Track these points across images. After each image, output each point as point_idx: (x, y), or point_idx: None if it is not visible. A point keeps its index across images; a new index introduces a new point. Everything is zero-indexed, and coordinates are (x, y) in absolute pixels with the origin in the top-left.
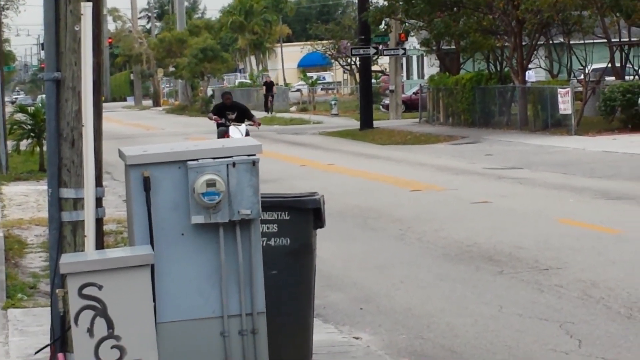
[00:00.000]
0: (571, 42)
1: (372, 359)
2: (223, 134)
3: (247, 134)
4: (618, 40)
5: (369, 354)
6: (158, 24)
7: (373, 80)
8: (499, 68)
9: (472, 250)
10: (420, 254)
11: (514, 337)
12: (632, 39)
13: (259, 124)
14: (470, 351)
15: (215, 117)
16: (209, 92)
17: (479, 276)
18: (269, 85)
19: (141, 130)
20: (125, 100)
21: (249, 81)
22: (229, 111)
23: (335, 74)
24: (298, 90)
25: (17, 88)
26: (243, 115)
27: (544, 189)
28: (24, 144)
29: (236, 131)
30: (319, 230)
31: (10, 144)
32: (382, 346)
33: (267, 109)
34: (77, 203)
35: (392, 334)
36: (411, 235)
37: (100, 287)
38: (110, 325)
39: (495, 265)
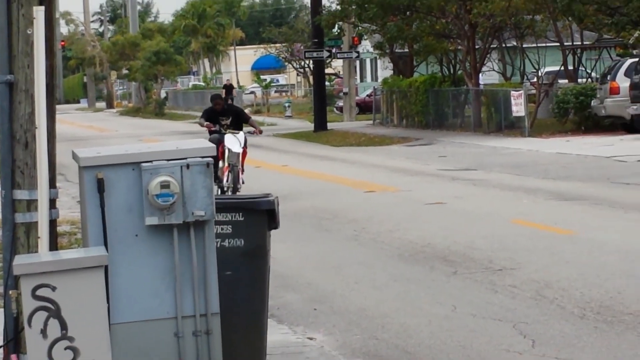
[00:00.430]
0: (524, 45)
1: (325, 359)
2: (217, 142)
3: (246, 144)
4: (571, 43)
5: (323, 354)
6: (111, 27)
7: (327, 83)
8: (452, 71)
9: (427, 250)
10: (374, 254)
11: (467, 337)
12: (585, 43)
13: (260, 132)
14: (424, 351)
15: (208, 123)
16: (163, 95)
17: (433, 276)
18: (229, 88)
19: (95, 132)
20: (78, 102)
21: (202, 84)
22: (222, 116)
23: (289, 76)
24: (252, 92)
25: None
26: (239, 119)
27: (497, 190)
28: None
29: (233, 140)
30: (273, 232)
31: None
32: (336, 347)
33: None
34: (31, 204)
35: (346, 334)
36: (366, 235)
37: (53, 289)
38: (63, 326)
39: (449, 265)
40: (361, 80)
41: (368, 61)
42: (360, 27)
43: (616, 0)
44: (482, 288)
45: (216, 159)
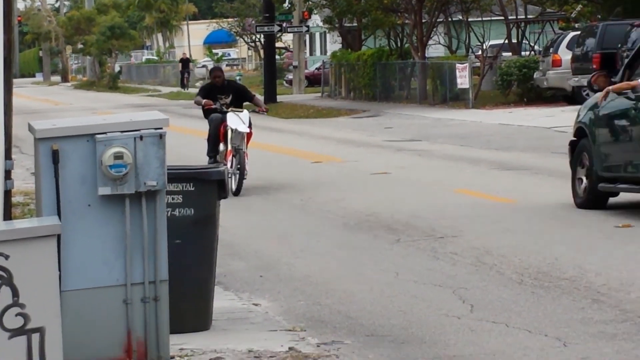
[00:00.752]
0: (469, 19)
1: (269, 325)
2: (218, 123)
3: (250, 124)
4: (515, 17)
5: (267, 319)
6: (67, 2)
7: (277, 57)
8: (399, 44)
9: (371, 219)
10: (320, 223)
11: (408, 302)
12: (528, 16)
13: (267, 110)
14: (365, 317)
15: (207, 100)
16: (117, 69)
17: (376, 244)
18: (185, 62)
19: (50, 106)
20: (34, 76)
21: (155, 58)
22: (221, 94)
23: (240, 50)
24: (204, 66)
25: None
26: (241, 97)
27: (441, 160)
28: None
29: (236, 120)
30: (222, 201)
31: None
32: (280, 312)
33: (183, 85)
34: None
35: (291, 300)
36: (312, 205)
37: (6, 257)
38: (15, 293)
39: (392, 233)
40: (310, 54)
41: (317, 35)
42: (310, 2)
43: None
44: (424, 255)
45: (217, 141)
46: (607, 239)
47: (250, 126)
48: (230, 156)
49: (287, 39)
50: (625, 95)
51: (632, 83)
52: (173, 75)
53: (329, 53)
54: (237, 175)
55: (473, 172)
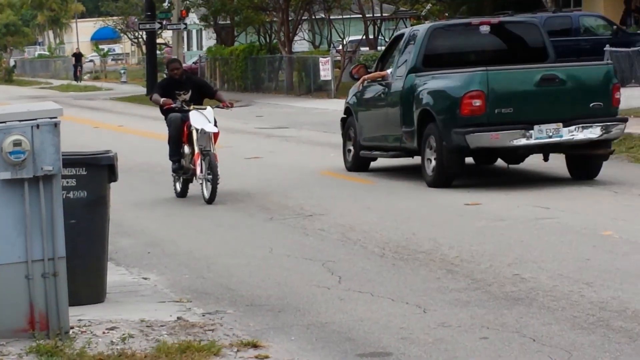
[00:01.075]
0: (331, 17)
1: (158, 297)
2: (180, 123)
3: (215, 123)
4: (372, 15)
5: (156, 292)
6: None
7: (157, 52)
8: (268, 40)
9: (246, 199)
10: (200, 204)
11: (283, 275)
12: (384, 14)
13: (232, 104)
14: (244, 288)
15: (165, 99)
16: (12, 63)
17: (252, 222)
18: (78, 56)
19: None
20: None
21: (47, 53)
22: (179, 90)
23: (125, 46)
24: (91, 61)
25: None
26: (202, 93)
27: (307, 145)
28: None
29: (201, 119)
30: (112, 184)
31: None
32: (167, 285)
33: (76, 77)
34: None
35: (176, 274)
36: (192, 187)
37: None
38: None
39: (266, 212)
40: (188, 49)
41: (194, 32)
42: (188, 2)
43: None
44: (295, 232)
45: (179, 143)
46: (458, 216)
47: (215, 124)
48: (199, 159)
49: (167, 35)
50: (378, 82)
51: (382, 73)
52: (63, 69)
53: (204, 48)
54: (209, 182)
55: (337, 156)
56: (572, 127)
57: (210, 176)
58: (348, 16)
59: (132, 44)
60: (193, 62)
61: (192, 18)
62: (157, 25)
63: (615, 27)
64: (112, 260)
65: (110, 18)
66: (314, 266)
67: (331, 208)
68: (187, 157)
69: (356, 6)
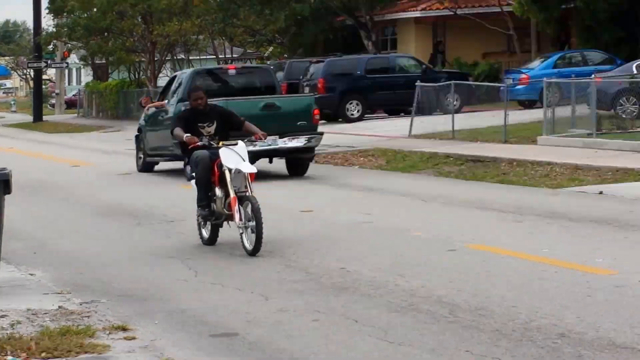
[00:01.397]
0: (190, 57)
1: (43, 289)
2: (209, 162)
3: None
4: (224, 56)
5: (41, 286)
6: None
7: (43, 86)
8: (137, 76)
9: (118, 208)
10: (81, 212)
11: (148, 270)
12: (234, 55)
13: (265, 136)
14: (116, 281)
15: (188, 137)
16: None
17: (122, 227)
18: None
19: None
20: None
21: None
22: (203, 122)
23: (14, 81)
24: None
25: None
26: (228, 125)
27: (170, 163)
28: None
29: (233, 156)
30: (7, 196)
31: None
32: (50, 279)
33: None
34: None
35: (59, 271)
36: (72, 198)
37: None
38: None
39: (134, 219)
40: (69, 84)
41: (74, 69)
42: (70, 45)
43: (257, 25)
44: (159, 234)
45: (208, 186)
46: (295, 221)
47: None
48: (237, 205)
49: (51, 72)
50: (158, 109)
51: (161, 103)
52: None
53: (83, 83)
54: (252, 230)
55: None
56: (285, 138)
57: (252, 223)
58: (205, 57)
59: (20, 80)
60: (73, 95)
61: (73, 58)
62: (43, 64)
63: (424, 66)
64: (3, 259)
65: (2, 58)
66: (174, 263)
67: (188, 215)
68: (220, 201)
69: (211, 48)
